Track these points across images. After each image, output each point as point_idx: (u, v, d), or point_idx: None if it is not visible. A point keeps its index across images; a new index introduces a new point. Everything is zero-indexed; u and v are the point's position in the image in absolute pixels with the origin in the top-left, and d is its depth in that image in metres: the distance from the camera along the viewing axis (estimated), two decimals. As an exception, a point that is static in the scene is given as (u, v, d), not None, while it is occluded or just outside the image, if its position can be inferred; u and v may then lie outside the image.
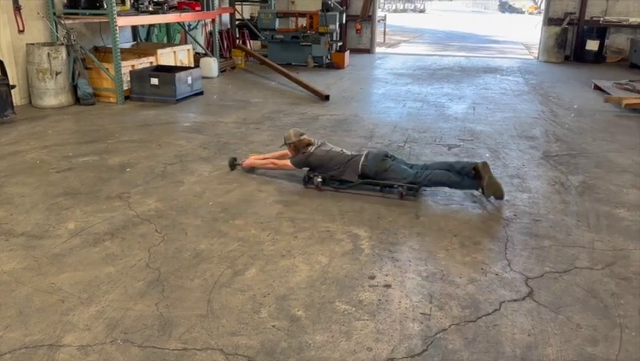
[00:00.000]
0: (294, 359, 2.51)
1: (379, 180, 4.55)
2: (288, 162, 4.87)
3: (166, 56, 9.21)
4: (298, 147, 4.84)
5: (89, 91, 7.84)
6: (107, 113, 7.48)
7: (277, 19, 12.39)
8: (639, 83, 9.37)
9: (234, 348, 2.58)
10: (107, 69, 7.91)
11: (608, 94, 8.72)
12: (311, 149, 4.80)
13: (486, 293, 3.10)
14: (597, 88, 9.62)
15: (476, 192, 4.60)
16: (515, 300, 3.03)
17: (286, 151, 4.99)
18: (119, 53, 7.84)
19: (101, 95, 8.10)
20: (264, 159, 5.08)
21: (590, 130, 6.90)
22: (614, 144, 6.24)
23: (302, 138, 4.88)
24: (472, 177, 4.41)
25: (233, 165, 5.13)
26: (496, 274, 3.30)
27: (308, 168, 4.79)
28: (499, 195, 4.40)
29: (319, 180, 4.64)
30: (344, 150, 4.87)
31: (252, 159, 5.08)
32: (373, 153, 4.71)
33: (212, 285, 3.12)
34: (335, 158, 4.68)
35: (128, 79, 8.18)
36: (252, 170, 5.06)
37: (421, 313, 2.89)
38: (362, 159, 4.58)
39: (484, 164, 4.40)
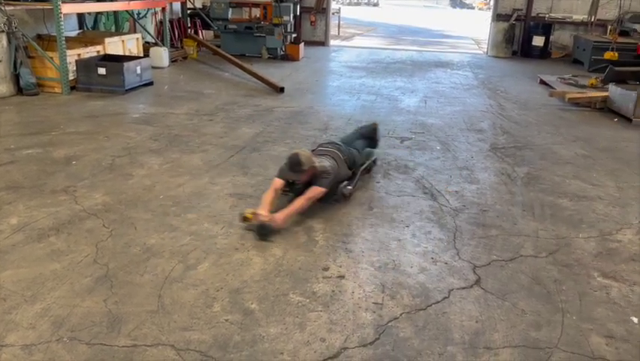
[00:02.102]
0: (247, 352, 2.51)
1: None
2: (318, 190, 3.97)
3: (114, 45, 8.92)
4: (315, 171, 4.02)
5: (32, 81, 7.51)
6: (51, 103, 7.19)
7: (230, 9, 12.21)
8: (582, 78, 9.78)
9: (186, 343, 2.55)
10: (52, 58, 7.60)
11: (553, 88, 9.07)
12: (325, 165, 4.11)
13: (436, 282, 3.17)
14: (543, 82, 9.98)
15: (427, 184, 4.70)
16: (464, 288, 3.12)
17: (279, 183, 4.04)
18: (63, 42, 7.54)
19: (46, 85, 7.78)
20: (289, 209, 3.85)
21: (536, 123, 7.15)
22: (558, 137, 6.50)
23: (314, 159, 4.07)
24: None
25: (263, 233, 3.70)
26: (446, 263, 3.39)
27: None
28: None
29: (350, 188, 4.28)
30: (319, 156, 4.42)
31: (280, 216, 3.75)
32: (341, 146, 4.53)
33: (162, 280, 3.07)
34: (338, 162, 4.27)
35: (74, 68, 7.88)
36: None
37: (374, 303, 2.93)
38: (341, 154, 4.38)
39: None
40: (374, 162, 5.01)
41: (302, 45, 12.61)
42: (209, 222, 3.83)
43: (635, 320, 2.88)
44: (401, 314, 2.84)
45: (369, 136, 5.07)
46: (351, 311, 2.85)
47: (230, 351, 2.51)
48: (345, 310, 2.86)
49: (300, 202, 3.88)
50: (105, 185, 4.43)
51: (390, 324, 2.76)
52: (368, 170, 4.85)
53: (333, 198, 4.21)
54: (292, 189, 4.15)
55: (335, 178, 4.14)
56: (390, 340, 2.64)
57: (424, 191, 4.57)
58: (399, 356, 2.53)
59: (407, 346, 2.60)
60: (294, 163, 3.90)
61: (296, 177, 4.00)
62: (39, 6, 7.91)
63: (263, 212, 3.72)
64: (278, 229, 3.67)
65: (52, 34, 8.19)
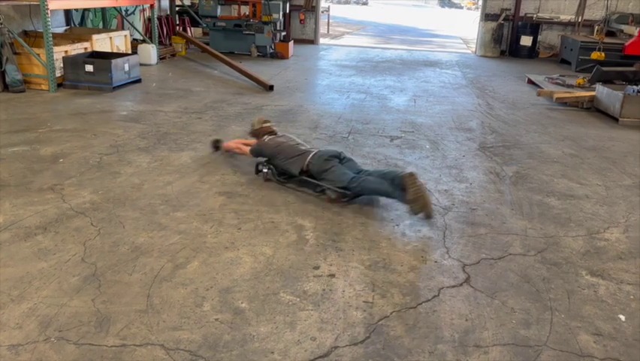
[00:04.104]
0: (237, 352, 2.49)
1: (318, 180, 4.34)
2: (248, 149, 4.93)
3: (102, 42, 8.85)
4: (257, 135, 4.94)
5: (19, 77, 7.42)
6: (38, 100, 7.11)
7: (219, 7, 12.16)
8: (569, 77, 9.87)
9: (176, 343, 2.53)
10: (38, 55, 7.50)
11: (541, 88, 9.13)
12: (266, 138, 4.81)
13: (426, 280, 3.18)
14: (530, 82, 10.05)
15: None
16: (453, 286, 3.13)
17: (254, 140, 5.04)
18: (50, 38, 7.45)
19: (32, 82, 7.69)
20: (239, 142, 5.19)
21: (524, 122, 7.20)
22: (546, 136, 6.55)
23: (264, 125, 4.94)
24: (402, 188, 3.95)
25: (216, 146, 5.28)
26: (435, 262, 3.40)
27: (263, 158, 4.72)
28: (427, 214, 3.86)
29: (265, 170, 4.60)
30: (300, 144, 4.67)
31: (231, 143, 5.23)
32: (322, 152, 4.49)
33: (151, 279, 3.04)
34: (285, 150, 4.54)
35: (61, 65, 7.80)
36: (230, 153, 5.21)
37: (364, 302, 2.93)
38: (309, 156, 4.41)
39: (410, 175, 3.93)
40: (345, 195, 4.21)
41: (291, 43, 12.59)
42: (199, 220, 3.81)
43: (623, 317, 2.91)
44: (391, 313, 2.85)
45: (396, 184, 4.07)
46: (342, 310, 2.85)
47: (221, 351, 2.49)
48: (336, 309, 2.85)
49: (237, 144, 5.13)
50: (93, 183, 4.39)
51: (380, 323, 2.76)
52: (347, 196, 4.22)
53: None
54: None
55: (261, 151, 4.74)
56: (381, 338, 2.64)
57: (414, 190, 4.57)
58: (389, 354, 2.53)
59: (398, 344, 2.61)
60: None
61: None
62: (25, 2, 7.80)
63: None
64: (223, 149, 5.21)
65: (39, 30, 8.10)
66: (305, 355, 2.50)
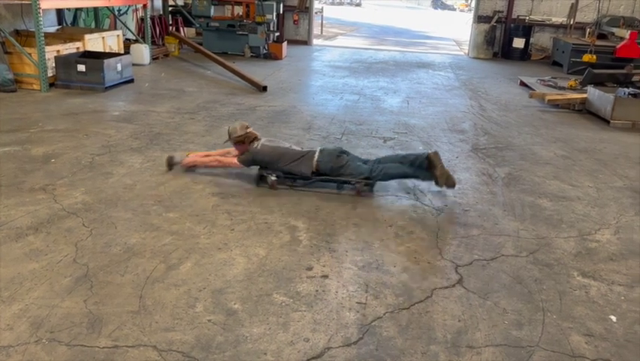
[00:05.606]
0: (230, 353, 2.49)
1: (334, 177, 4.45)
2: (234, 159, 4.57)
3: (94, 42, 8.80)
4: (242, 142, 4.55)
5: (10, 77, 7.37)
6: (29, 100, 7.06)
7: (212, 7, 12.13)
8: (561, 80, 9.93)
9: (168, 344, 2.52)
10: (30, 54, 7.46)
11: (533, 90, 9.18)
12: (257, 145, 4.55)
13: (419, 281, 3.19)
14: (522, 84, 10.10)
15: (410, 184, 4.72)
16: (446, 287, 3.14)
17: (231, 148, 4.71)
18: (42, 38, 7.40)
19: (24, 82, 7.63)
20: (207, 156, 4.75)
21: (516, 124, 7.24)
22: (538, 138, 6.59)
23: (248, 131, 4.56)
24: (424, 167, 4.40)
25: (171, 164, 4.68)
26: (428, 263, 3.41)
27: (258, 167, 4.56)
28: (452, 184, 4.34)
29: (273, 178, 4.42)
30: (292, 146, 4.68)
31: (194, 157, 4.72)
32: (329, 149, 4.58)
33: (144, 280, 3.03)
34: (285, 154, 4.48)
35: (53, 65, 7.75)
36: (192, 169, 4.70)
37: (357, 303, 2.93)
38: (316, 154, 4.46)
39: (436, 153, 4.41)
40: (371, 184, 4.47)
41: (285, 44, 12.58)
42: (192, 221, 3.79)
43: (614, 318, 2.93)
44: (384, 314, 2.85)
45: (417, 165, 4.48)
46: (335, 311, 2.85)
47: (213, 352, 2.49)
48: (329, 310, 2.85)
49: (212, 158, 4.70)
50: (85, 183, 4.36)
51: (373, 323, 2.76)
52: (370, 185, 4.46)
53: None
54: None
55: (256, 160, 4.54)
56: (374, 339, 2.64)
57: (407, 191, 4.59)
58: (382, 355, 2.54)
59: (390, 345, 2.61)
60: (229, 132, 4.62)
61: (231, 145, 4.68)
62: (17, 1, 7.75)
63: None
64: (182, 166, 4.71)
65: (31, 29, 8.04)
66: (298, 356, 2.50)
